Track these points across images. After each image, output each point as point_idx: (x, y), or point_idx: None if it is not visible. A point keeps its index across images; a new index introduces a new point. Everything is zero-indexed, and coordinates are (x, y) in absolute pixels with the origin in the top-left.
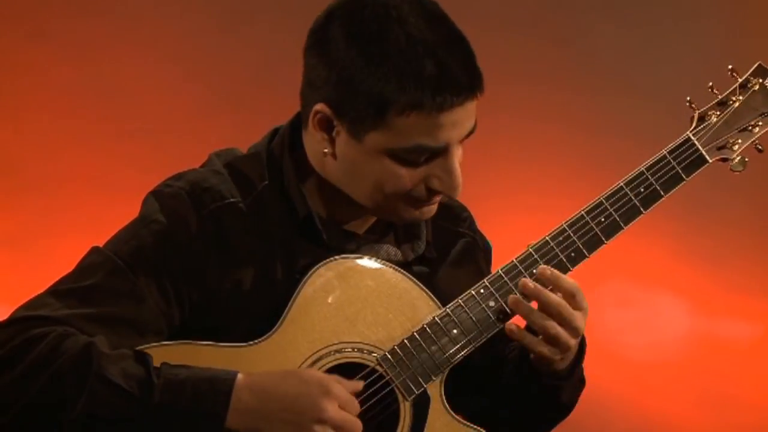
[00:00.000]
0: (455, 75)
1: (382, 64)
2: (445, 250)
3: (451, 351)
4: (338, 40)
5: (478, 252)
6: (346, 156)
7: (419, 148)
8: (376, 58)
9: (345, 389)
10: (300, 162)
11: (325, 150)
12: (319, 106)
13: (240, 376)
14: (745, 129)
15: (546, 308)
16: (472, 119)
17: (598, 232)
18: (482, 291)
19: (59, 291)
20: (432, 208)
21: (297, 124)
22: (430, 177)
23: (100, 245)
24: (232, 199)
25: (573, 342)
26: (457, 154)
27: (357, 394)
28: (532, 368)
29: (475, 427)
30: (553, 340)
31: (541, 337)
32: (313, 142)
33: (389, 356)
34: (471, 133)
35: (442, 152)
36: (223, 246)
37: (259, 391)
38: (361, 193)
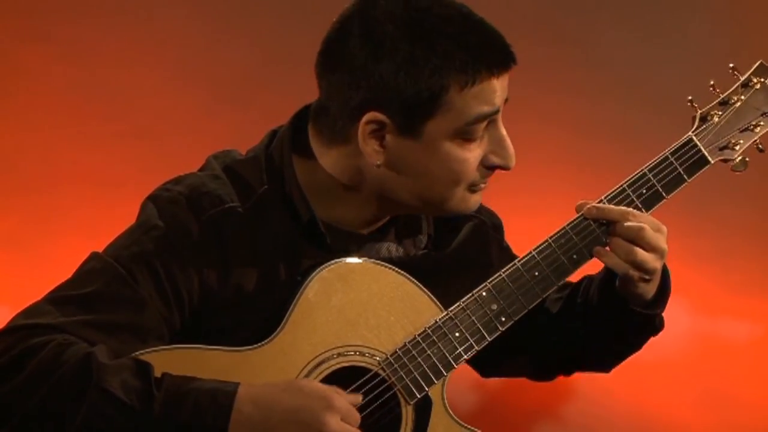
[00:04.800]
0: (497, 42)
1: (432, 53)
2: (450, 239)
3: (453, 354)
4: (371, 48)
5: (488, 232)
6: (404, 159)
7: (480, 116)
8: (422, 49)
9: (346, 401)
10: (306, 168)
11: (378, 162)
12: (369, 116)
13: (241, 388)
14: (746, 129)
15: (626, 233)
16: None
17: (600, 234)
18: (484, 294)
19: (59, 298)
20: (481, 195)
21: (297, 128)
22: (486, 154)
23: (100, 251)
24: (231, 204)
25: (658, 265)
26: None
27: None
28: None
29: (474, 429)
30: (639, 265)
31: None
32: (351, 158)
33: (391, 360)
34: (506, 100)
35: (492, 123)
36: (224, 251)
37: (261, 403)
38: (418, 193)
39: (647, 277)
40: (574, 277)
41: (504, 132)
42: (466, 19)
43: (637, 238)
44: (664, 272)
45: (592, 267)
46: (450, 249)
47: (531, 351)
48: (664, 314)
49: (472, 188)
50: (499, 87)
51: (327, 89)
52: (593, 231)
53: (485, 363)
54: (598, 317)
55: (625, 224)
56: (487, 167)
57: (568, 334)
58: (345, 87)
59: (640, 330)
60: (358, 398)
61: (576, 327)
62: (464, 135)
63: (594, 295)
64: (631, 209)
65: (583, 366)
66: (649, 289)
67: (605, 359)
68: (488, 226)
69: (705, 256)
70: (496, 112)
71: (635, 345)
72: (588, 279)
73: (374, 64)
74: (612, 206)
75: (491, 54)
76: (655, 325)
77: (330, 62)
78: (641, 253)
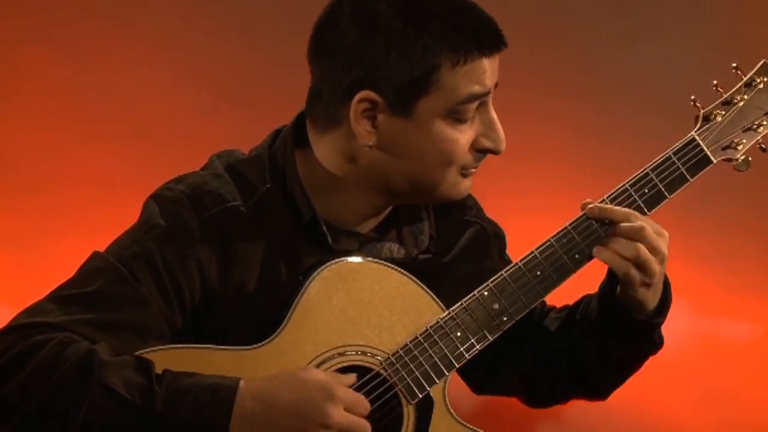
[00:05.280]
0: (489, 24)
1: (423, 31)
2: (452, 242)
3: (455, 354)
4: (363, 28)
5: (489, 239)
6: (396, 139)
7: (471, 96)
8: (414, 27)
9: (349, 390)
10: (307, 164)
11: (370, 143)
12: (361, 95)
13: (242, 383)
14: (749, 128)
15: (627, 233)
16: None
17: (602, 234)
18: (486, 294)
19: (60, 297)
20: (472, 180)
21: (300, 127)
22: (477, 138)
23: (101, 250)
24: (233, 203)
25: (659, 268)
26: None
27: None
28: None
29: (476, 429)
30: (640, 264)
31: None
32: (344, 142)
33: (393, 359)
34: (496, 85)
35: (483, 106)
36: (226, 250)
37: (262, 397)
38: (410, 175)
39: (648, 279)
40: (574, 279)
41: (494, 116)
42: (459, 1)
43: (637, 238)
44: (666, 284)
45: (595, 265)
46: (451, 253)
47: (528, 369)
48: None
49: (464, 172)
50: (489, 68)
51: (320, 73)
52: (595, 230)
53: (480, 378)
54: (597, 330)
55: (627, 224)
56: (478, 150)
57: (566, 351)
58: (337, 68)
59: (639, 343)
60: (351, 379)
61: (574, 343)
62: (455, 115)
63: (594, 308)
64: (633, 211)
65: (580, 388)
66: (650, 298)
67: (603, 380)
68: (490, 234)
69: (705, 257)
70: (487, 93)
71: (634, 363)
72: (587, 296)
73: (366, 43)
74: (615, 207)
75: (483, 35)
76: (654, 341)
77: (322, 45)
78: (643, 252)
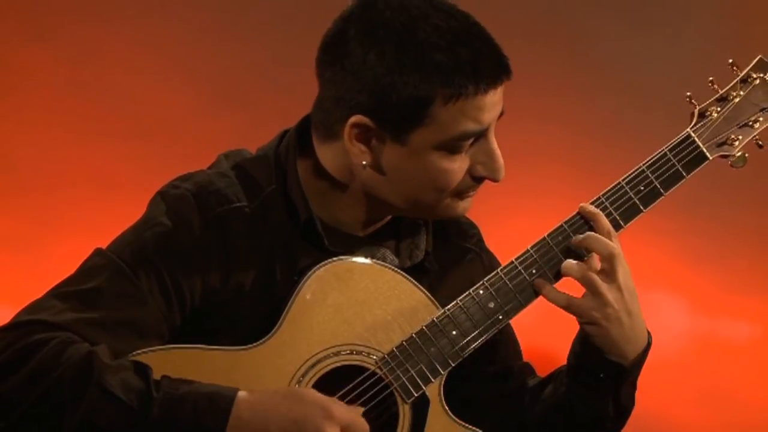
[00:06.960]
0: (490, 58)
1: (419, 63)
2: (446, 263)
3: (450, 353)
4: (364, 50)
5: (479, 269)
6: (389, 163)
7: (465, 134)
8: (411, 58)
9: (347, 411)
10: (308, 167)
11: (364, 162)
12: (355, 119)
13: (241, 393)
14: (745, 125)
15: (596, 245)
16: (502, 99)
17: None
18: (481, 292)
19: (61, 294)
20: (471, 201)
21: (304, 129)
22: (474, 165)
23: (103, 247)
24: (237, 203)
25: (611, 296)
26: (494, 138)
27: (356, 397)
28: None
29: (474, 429)
30: (588, 282)
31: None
32: (343, 155)
33: (388, 358)
34: (502, 114)
35: (482, 136)
36: (227, 250)
37: (260, 410)
38: (405, 196)
39: (601, 301)
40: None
41: (494, 145)
42: (462, 32)
43: (596, 250)
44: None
45: None
46: (442, 272)
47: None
48: (663, 314)
49: (460, 195)
50: (488, 103)
51: (324, 85)
52: (590, 229)
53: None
54: (567, 378)
55: (601, 238)
56: (475, 177)
57: (535, 413)
58: (338, 85)
59: (604, 391)
60: (359, 410)
61: (545, 401)
62: (450, 148)
63: (569, 358)
64: (614, 232)
65: None
66: (618, 337)
67: None
68: (485, 265)
69: (704, 256)
70: (483, 130)
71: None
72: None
73: (363, 67)
74: (605, 219)
75: (480, 69)
76: (620, 399)
77: (326, 59)
78: (589, 273)
